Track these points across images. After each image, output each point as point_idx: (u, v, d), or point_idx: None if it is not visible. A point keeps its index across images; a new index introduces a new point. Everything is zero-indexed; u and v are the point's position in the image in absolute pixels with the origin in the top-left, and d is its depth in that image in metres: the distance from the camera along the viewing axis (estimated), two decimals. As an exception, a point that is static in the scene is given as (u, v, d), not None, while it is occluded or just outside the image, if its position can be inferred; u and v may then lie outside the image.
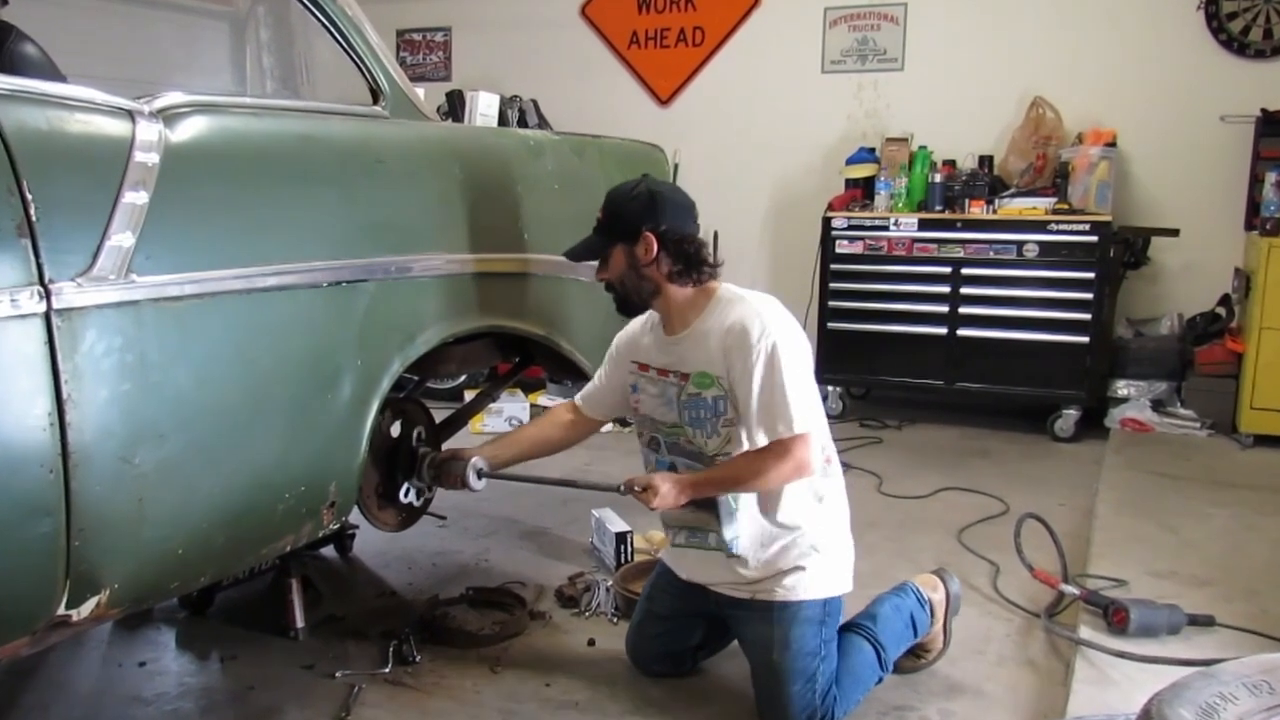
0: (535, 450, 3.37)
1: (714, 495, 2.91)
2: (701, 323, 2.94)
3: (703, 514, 2.97)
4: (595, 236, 3.03)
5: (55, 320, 2.01)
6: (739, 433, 2.88)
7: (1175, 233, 6.38)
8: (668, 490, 2.88)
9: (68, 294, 2.02)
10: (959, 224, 6.39)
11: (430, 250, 3.03)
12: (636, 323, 3.19)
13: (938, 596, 3.23)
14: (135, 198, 2.17)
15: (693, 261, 2.95)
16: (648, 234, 2.91)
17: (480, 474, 3.20)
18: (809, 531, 2.93)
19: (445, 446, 3.44)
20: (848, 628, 3.04)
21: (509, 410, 6.37)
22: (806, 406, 2.81)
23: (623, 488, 2.97)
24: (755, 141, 7.81)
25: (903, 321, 6.50)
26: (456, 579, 3.93)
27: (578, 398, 3.36)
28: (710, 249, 3.03)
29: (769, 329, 2.80)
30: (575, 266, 3.44)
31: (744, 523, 2.92)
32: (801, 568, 2.91)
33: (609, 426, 6.28)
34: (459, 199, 3.18)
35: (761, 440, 2.81)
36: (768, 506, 2.92)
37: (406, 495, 3.29)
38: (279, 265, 2.52)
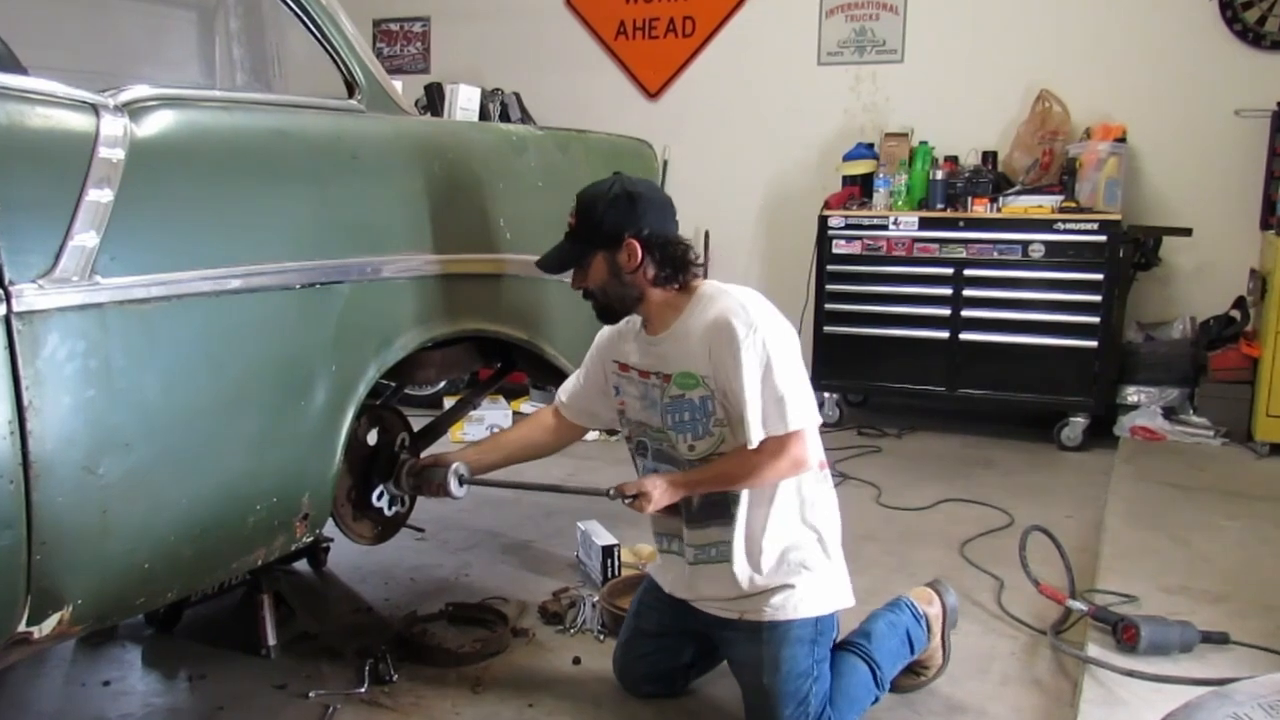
0: (519, 454, 3.38)
1: (707, 493, 2.92)
2: (683, 321, 2.94)
3: (675, 520, 3.01)
4: (570, 244, 3.01)
5: (15, 324, 2.01)
6: (729, 433, 2.88)
7: (1188, 232, 6.40)
8: (660, 493, 2.89)
9: (28, 296, 2.03)
10: (961, 223, 6.42)
11: (408, 250, 3.04)
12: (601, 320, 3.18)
13: (934, 610, 3.23)
14: (99, 196, 2.17)
15: (679, 264, 2.95)
16: (631, 240, 2.90)
17: (462, 480, 3.21)
18: (798, 546, 2.94)
19: (424, 454, 3.44)
20: (841, 646, 3.04)
21: (490, 418, 6.37)
22: (800, 402, 2.81)
23: (612, 492, 2.97)
24: (748, 137, 7.82)
25: (902, 325, 6.51)
26: (436, 594, 3.93)
27: (558, 400, 3.36)
28: (694, 247, 3.03)
29: (756, 323, 2.80)
30: (559, 268, 3.47)
31: (742, 527, 2.92)
32: (790, 585, 2.91)
33: (594, 435, 6.32)
34: (438, 197, 3.19)
35: (756, 439, 2.80)
36: (753, 519, 2.93)
37: (380, 499, 3.29)
38: (250, 266, 2.52)
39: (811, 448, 2.87)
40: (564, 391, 3.35)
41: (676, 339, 2.95)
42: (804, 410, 2.82)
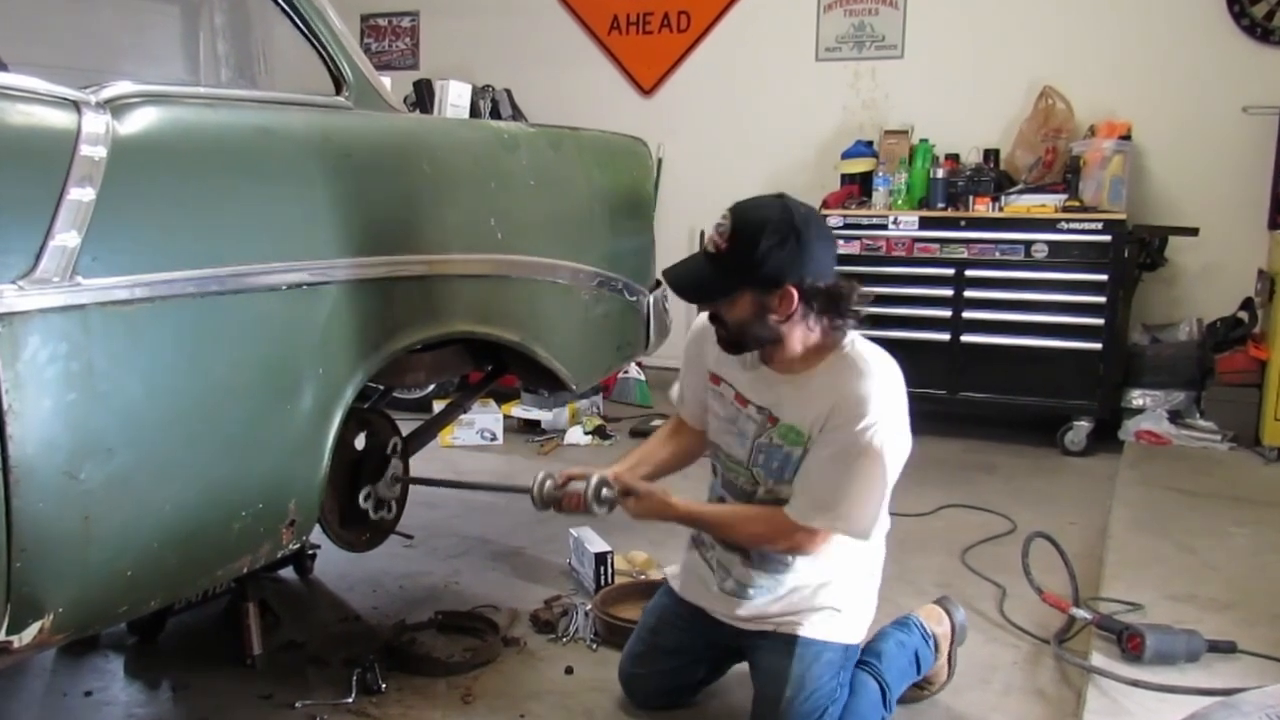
0: (673, 467, 3.26)
1: (695, 529, 2.93)
2: (818, 374, 2.84)
3: (734, 554, 3.00)
4: (716, 272, 2.78)
5: (-5, 325, 2.01)
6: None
7: (1194, 232, 6.41)
8: (650, 507, 2.89)
9: (8, 298, 2.02)
10: (962, 222, 6.44)
11: (396, 251, 3.03)
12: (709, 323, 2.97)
13: (942, 630, 3.24)
14: (81, 194, 2.16)
15: (835, 314, 2.82)
16: (790, 288, 2.72)
17: (600, 498, 2.98)
18: (854, 574, 2.96)
19: (413, 461, 3.44)
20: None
21: (480, 422, 6.36)
22: (860, 518, 2.77)
23: (605, 491, 2.95)
24: (744, 134, 7.84)
25: (902, 327, 6.48)
26: (425, 602, 3.93)
27: (678, 408, 3.28)
28: (856, 290, 2.86)
29: (882, 422, 2.70)
30: (553, 268, 3.46)
31: (781, 574, 2.93)
32: (837, 610, 2.92)
33: (585, 440, 6.34)
34: (428, 196, 3.19)
35: (798, 506, 2.77)
36: (818, 565, 2.91)
37: (367, 504, 3.29)
38: (235, 267, 2.51)
39: (822, 546, 2.82)
40: (678, 398, 3.28)
41: (800, 389, 2.84)
42: (855, 525, 2.78)
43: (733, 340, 2.87)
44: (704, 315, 2.99)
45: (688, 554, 3.21)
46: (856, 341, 2.88)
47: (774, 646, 2.94)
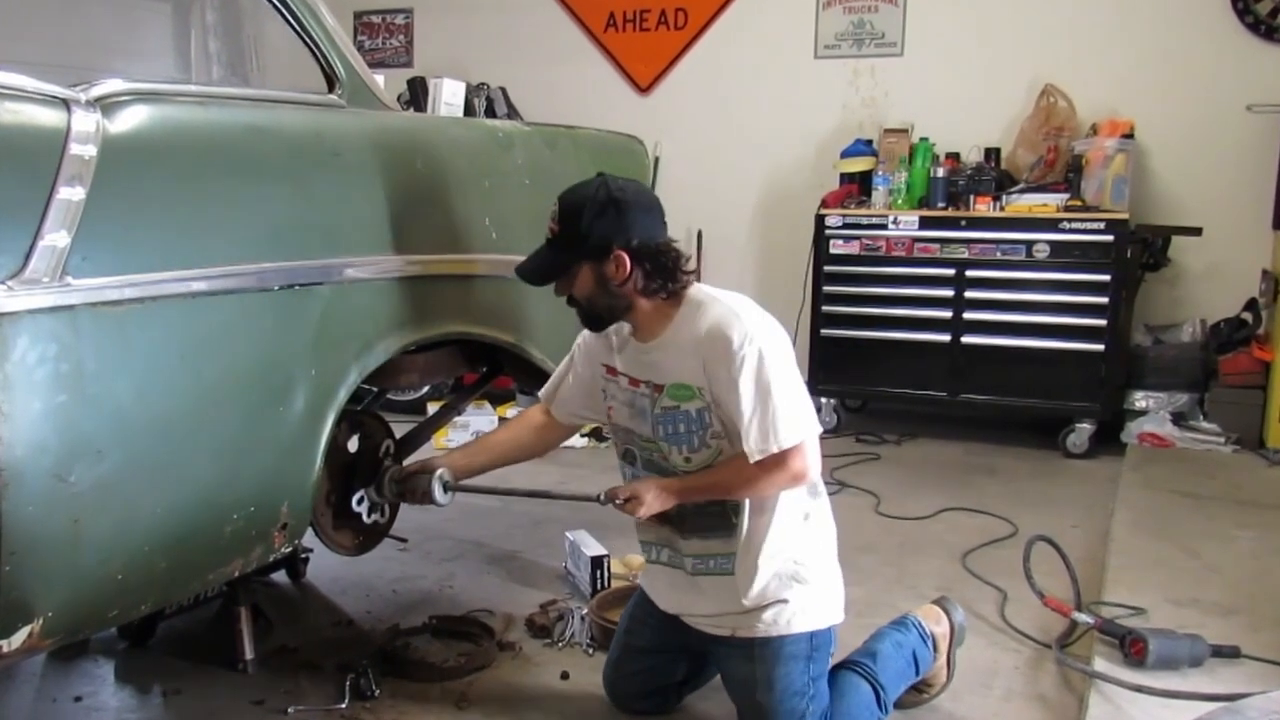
0: (508, 456, 3.36)
1: (701, 500, 2.93)
2: (675, 330, 2.91)
3: (666, 529, 3.01)
4: (553, 253, 2.95)
5: (-16, 326, 2.01)
6: (728, 445, 2.87)
7: (1198, 232, 6.42)
8: (653, 497, 2.89)
9: (-3, 298, 2.03)
10: (963, 222, 6.44)
11: (390, 251, 3.04)
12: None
13: (941, 630, 3.23)
14: (70, 194, 2.17)
15: (670, 273, 2.90)
16: (619, 252, 2.85)
17: (446, 487, 3.21)
18: (792, 559, 2.94)
19: (408, 461, 3.44)
20: (845, 665, 3.04)
21: (475, 423, 6.36)
22: (798, 414, 2.80)
23: (603, 496, 2.98)
24: (742, 133, 7.84)
25: (902, 328, 6.53)
26: (419, 607, 3.93)
27: (545, 400, 3.34)
28: (685, 253, 2.99)
29: (750, 334, 2.77)
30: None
31: (744, 538, 2.92)
32: (784, 600, 2.90)
33: (583, 441, 6.34)
34: (421, 196, 3.19)
35: (755, 456, 2.78)
36: (754, 529, 2.91)
37: (360, 504, 3.29)
38: (226, 267, 2.53)
39: (811, 459, 2.85)
40: (550, 390, 3.32)
41: (668, 348, 2.92)
42: (803, 423, 2.81)
43: (590, 316, 3.00)
44: None
45: (648, 565, 3.22)
46: (698, 290, 2.96)
47: (736, 654, 2.95)
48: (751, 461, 2.79)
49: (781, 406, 2.76)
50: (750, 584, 2.91)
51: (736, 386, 2.76)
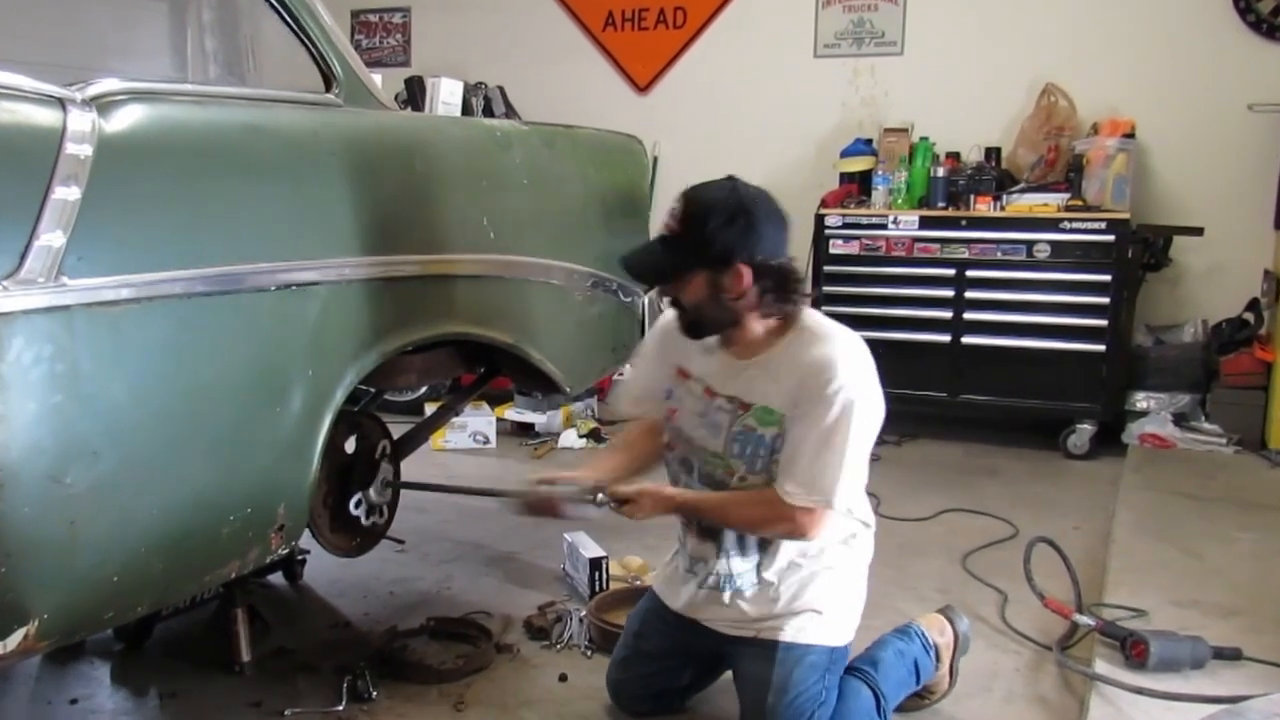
0: (647, 464, 3.24)
1: (693, 518, 2.92)
2: (779, 352, 2.87)
3: (709, 545, 2.98)
4: (669, 253, 2.87)
5: (-22, 327, 2.01)
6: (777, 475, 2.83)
7: (1199, 231, 6.40)
8: (652, 504, 2.88)
9: (-8, 298, 2.03)
10: (963, 222, 6.44)
11: (387, 251, 3.03)
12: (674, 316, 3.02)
13: (944, 640, 3.23)
14: (66, 193, 2.17)
15: (787, 295, 2.86)
16: (741, 265, 2.77)
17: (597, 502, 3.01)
18: (836, 574, 2.94)
19: (404, 465, 3.44)
20: (847, 670, 3.02)
21: (473, 425, 6.36)
22: (846, 483, 2.76)
23: (600, 496, 2.96)
24: (741, 132, 7.83)
25: (902, 328, 6.52)
26: (416, 609, 3.93)
27: (625, 410, 3.29)
28: (800, 274, 2.93)
29: (849, 385, 2.72)
30: (546, 268, 3.46)
31: (758, 559, 2.92)
32: (818, 611, 2.91)
33: (579, 443, 6.34)
34: (419, 195, 3.19)
35: (787, 489, 2.76)
36: (796, 548, 2.91)
37: (358, 507, 3.29)
38: (223, 267, 2.52)
39: (822, 528, 2.81)
40: (626, 396, 3.28)
41: (766, 370, 2.87)
42: (842, 493, 2.76)
43: (691, 323, 2.93)
44: (668, 313, 3.04)
45: (668, 563, 3.21)
46: (812, 316, 2.93)
47: (756, 653, 2.93)
48: (782, 496, 2.76)
49: (835, 465, 2.73)
50: (782, 599, 2.91)
51: (807, 423, 2.74)
